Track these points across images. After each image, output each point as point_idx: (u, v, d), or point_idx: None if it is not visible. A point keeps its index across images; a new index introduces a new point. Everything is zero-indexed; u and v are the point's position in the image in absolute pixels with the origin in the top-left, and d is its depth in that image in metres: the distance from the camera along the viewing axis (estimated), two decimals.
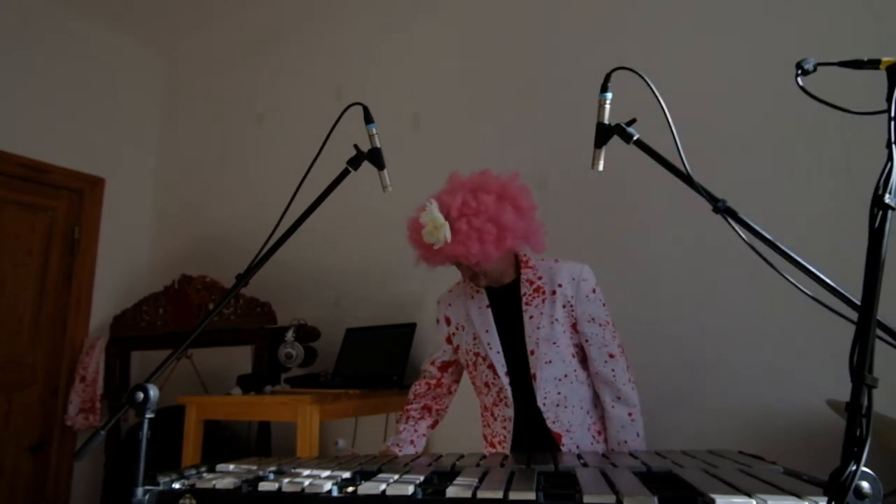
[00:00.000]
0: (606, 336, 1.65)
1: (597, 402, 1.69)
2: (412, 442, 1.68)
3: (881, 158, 0.75)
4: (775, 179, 2.00)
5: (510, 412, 1.65)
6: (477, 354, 1.69)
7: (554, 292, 1.65)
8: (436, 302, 1.85)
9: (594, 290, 1.67)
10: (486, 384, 1.69)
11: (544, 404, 1.62)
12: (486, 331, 1.68)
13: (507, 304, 1.69)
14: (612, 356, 1.65)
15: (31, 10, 3.45)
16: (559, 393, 1.63)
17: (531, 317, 1.65)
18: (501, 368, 1.64)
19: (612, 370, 1.64)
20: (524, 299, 1.66)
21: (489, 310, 1.70)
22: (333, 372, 2.73)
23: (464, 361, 1.75)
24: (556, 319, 1.63)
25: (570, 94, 2.44)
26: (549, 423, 1.62)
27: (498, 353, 1.65)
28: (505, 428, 1.66)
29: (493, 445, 1.71)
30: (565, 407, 1.63)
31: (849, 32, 1.95)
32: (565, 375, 1.64)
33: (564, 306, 1.64)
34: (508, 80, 2.67)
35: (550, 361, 1.62)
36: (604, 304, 1.67)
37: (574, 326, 1.66)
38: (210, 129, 3.82)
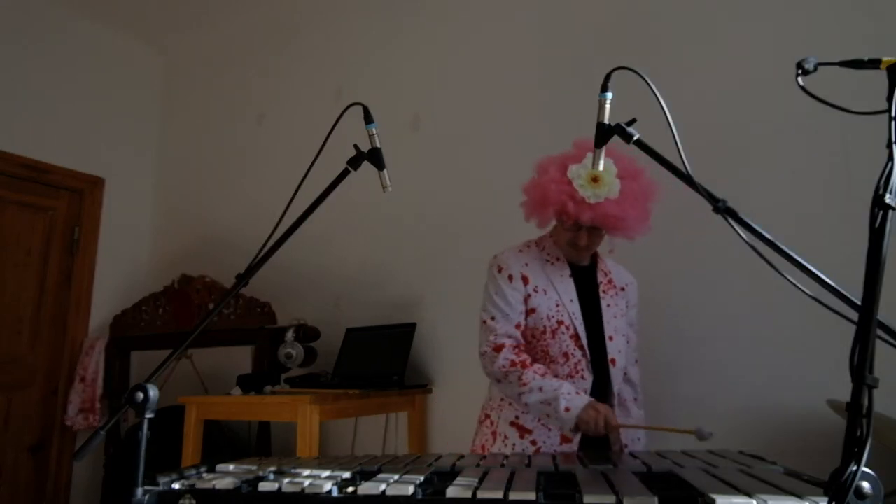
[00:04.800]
0: (636, 342, 1.79)
1: None
2: (579, 393, 1.52)
3: (881, 158, 0.75)
4: (775, 179, 2.00)
5: (587, 385, 1.60)
6: (560, 322, 1.61)
7: (623, 289, 1.74)
8: (499, 258, 1.68)
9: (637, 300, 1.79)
10: (565, 354, 1.60)
11: (617, 391, 1.67)
12: (571, 300, 1.64)
13: (584, 285, 1.69)
14: (636, 361, 1.79)
15: (30, 10, 3.45)
16: (621, 383, 1.71)
17: (608, 305, 1.69)
18: (585, 341, 1.61)
19: (636, 373, 1.78)
20: (601, 287, 1.71)
21: (571, 280, 1.67)
22: (333, 372, 2.73)
23: (539, 327, 1.62)
24: (623, 315, 1.72)
25: (570, 93, 2.43)
26: (616, 411, 1.66)
27: (582, 325, 1.62)
28: None
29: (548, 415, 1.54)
30: (617, 398, 1.71)
31: (849, 32, 1.95)
32: (624, 366, 1.72)
33: (626, 305, 1.74)
34: (508, 80, 2.67)
35: (621, 351, 1.69)
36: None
37: None
38: (210, 128, 3.82)
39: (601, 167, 1.15)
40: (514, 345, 1.60)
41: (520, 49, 2.67)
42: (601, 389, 1.65)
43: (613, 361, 1.65)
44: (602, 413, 1.45)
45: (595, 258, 1.76)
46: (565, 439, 1.56)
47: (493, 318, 1.62)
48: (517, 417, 1.63)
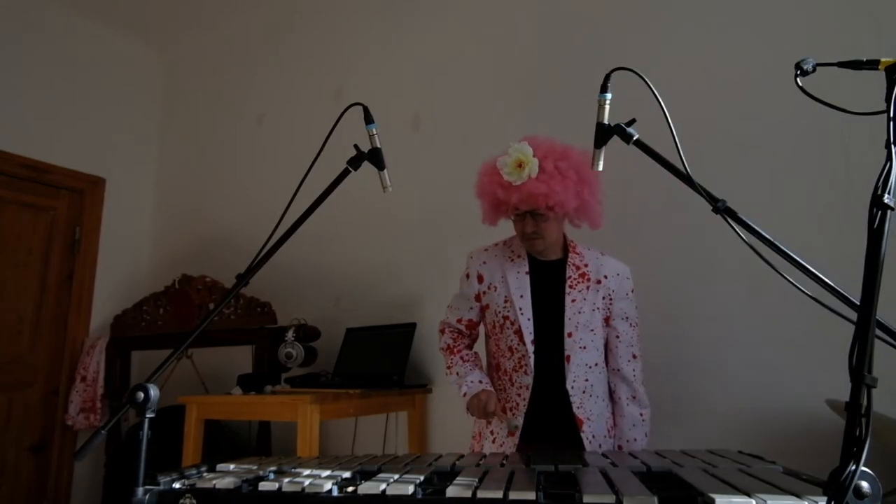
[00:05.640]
0: (634, 337, 1.75)
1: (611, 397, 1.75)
2: (482, 381, 1.69)
3: (880, 158, 0.75)
4: (775, 179, 2.00)
5: (529, 380, 1.65)
6: (506, 318, 1.69)
7: (599, 282, 1.72)
8: (468, 256, 1.82)
9: (632, 291, 1.76)
10: (510, 349, 1.69)
11: (572, 388, 1.65)
12: (521, 296, 1.68)
13: (547, 280, 1.71)
14: (634, 357, 1.75)
15: (31, 11, 3.45)
16: (587, 380, 1.68)
17: (573, 300, 1.68)
18: (528, 336, 1.65)
19: (633, 370, 1.74)
20: (568, 282, 1.70)
21: (528, 276, 1.71)
22: (333, 372, 2.73)
23: (490, 322, 1.75)
24: (597, 308, 1.70)
25: (571, 93, 2.44)
26: (574, 408, 1.65)
27: (528, 320, 1.66)
28: (520, 395, 1.66)
29: (503, 410, 1.69)
30: (590, 395, 1.68)
31: (849, 33, 1.95)
32: (596, 364, 1.70)
33: (605, 298, 1.71)
34: (508, 80, 2.67)
35: (585, 347, 1.67)
36: (636, 307, 1.77)
37: (607, 320, 1.73)
38: (210, 129, 3.82)
39: (600, 167, 1.15)
40: (453, 331, 1.83)
41: (520, 48, 2.67)
42: (554, 386, 1.65)
43: (568, 358, 1.65)
44: (483, 401, 1.62)
45: (567, 251, 1.75)
46: (510, 432, 1.68)
47: (449, 307, 1.86)
48: None
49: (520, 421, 1.63)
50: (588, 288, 1.70)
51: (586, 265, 1.73)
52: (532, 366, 1.64)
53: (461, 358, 1.75)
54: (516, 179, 1.56)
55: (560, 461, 1.16)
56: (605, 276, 1.72)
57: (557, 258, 1.74)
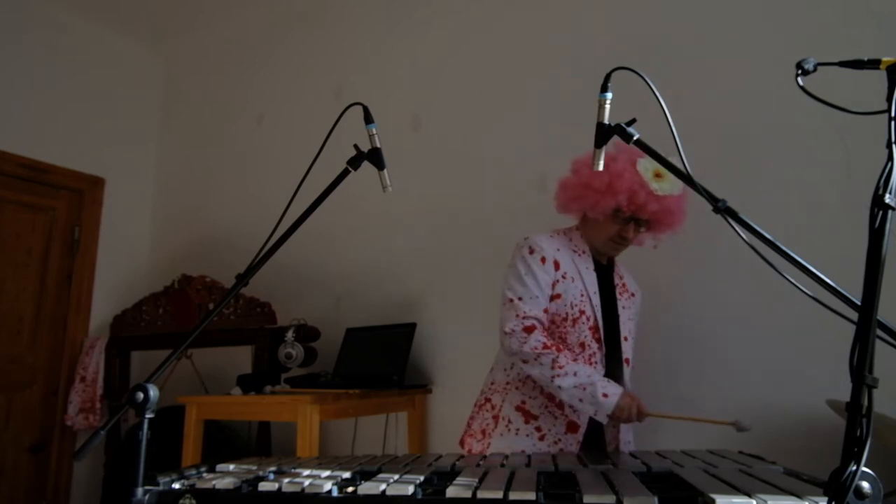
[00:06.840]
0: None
1: None
2: (610, 380, 1.56)
3: (881, 158, 0.75)
4: (775, 179, 2.00)
5: None
6: (582, 312, 1.63)
7: (633, 295, 1.79)
8: (529, 241, 1.65)
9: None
10: (582, 344, 1.62)
11: (629, 389, 1.68)
12: (594, 293, 1.67)
13: (603, 283, 1.72)
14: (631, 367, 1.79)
15: (30, 11, 3.45)
16: (628, 383, 1.72)
17: (623, 307, 1.73)
18: (602, 334, 1.65)
19: (629, 377, 1.77)
20: (617, 289, 1.74)
21: (595, 274, 1.70)
22: (333, 372, 2.73)
23: (562, 313, 1.63)
24: (633, 319, 1.77)
25: (571, 93, 2.43)
26: None
27: (601, 318, 1.65)
28: None
29: (559, 407, 1.59)
30: None
31: (849, 33, 1.95)
32: (632, 369, 1.75)
33: (635, 311, 1.79)
34: (508, 80, 2.67)
35: (630, 354, 1.73)
36: None
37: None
38: (210, 129, 3.82)
39: (601, 167, 1.15)
40: (544, 328, 1.60)
41: (519, 48, 2.66)
42: None
43: (627, 361, 1.70)
44: (635, 401, 1.52)
45: (611, 261, 1.79)
46: (571, 428, 1.58)
47: (520, 299, 1.60)
48: (524, 402, 1.63)
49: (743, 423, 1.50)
50: (629, 299, 1.77)
51: (622, 277, 1.79)
52: (603, 364, 1.63)
53: (566, 356, 1.55)
54: (659, 189, 1.54)
55: (560, 461, 1.16)
56: (636, 292, 1.81)
57: (606, 264, 1.78)
